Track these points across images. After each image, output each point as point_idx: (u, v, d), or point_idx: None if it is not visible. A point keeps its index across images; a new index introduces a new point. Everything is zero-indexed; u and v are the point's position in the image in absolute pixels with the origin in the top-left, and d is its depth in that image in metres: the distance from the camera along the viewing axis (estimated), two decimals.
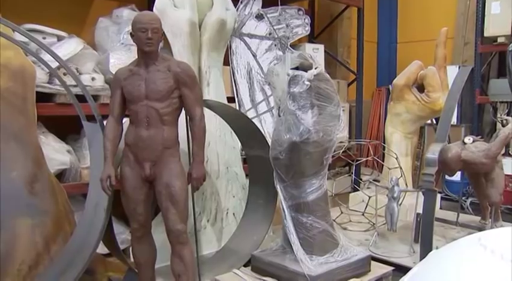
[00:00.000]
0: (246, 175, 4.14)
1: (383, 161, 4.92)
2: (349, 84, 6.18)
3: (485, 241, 2.07)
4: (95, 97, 3.41)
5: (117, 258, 3.39)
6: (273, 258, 3.25)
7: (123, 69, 2.70)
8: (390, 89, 5.21)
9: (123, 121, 2.78)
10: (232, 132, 3.93)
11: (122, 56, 3.66)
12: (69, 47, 3.47)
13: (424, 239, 3.26)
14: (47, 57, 2.94)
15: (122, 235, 3.73)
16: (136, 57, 2.68)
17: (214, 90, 3.99)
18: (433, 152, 3.29)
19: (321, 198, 3.13)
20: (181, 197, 2.56)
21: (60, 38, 3.59)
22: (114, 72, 2.98)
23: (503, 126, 3.97)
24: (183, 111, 2.75)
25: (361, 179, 5.32)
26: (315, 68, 2.95)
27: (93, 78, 3.53)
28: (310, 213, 3.10)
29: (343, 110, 3.58)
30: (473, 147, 3.63)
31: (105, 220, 2.80)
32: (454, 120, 5.59)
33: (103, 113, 3.00)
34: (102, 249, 3.32)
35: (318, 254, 3.12)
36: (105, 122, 2.79)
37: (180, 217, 2.56)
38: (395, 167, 4.39)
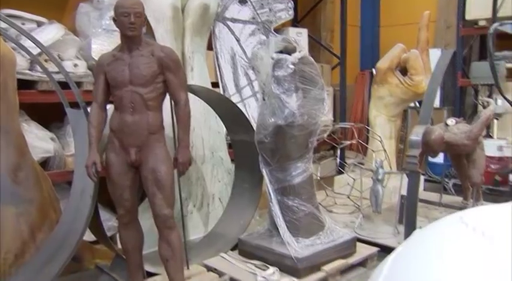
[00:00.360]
0: (232, 160, 4.15)
1: (367, 144, 4.96)
2: (332, 68, 6.19)
3: (466, 219, 2.11)
4: (78, 84, 3.37)
5: (104, 245, 3.39)
6: (259, 241, 3.28)
7: (106, 55, 2.68)
8: (373, 72, 5.23)
9: (107, 107, 2.76)
10: (217, 117, 3.93)
11: (104, 42, 3.62)
12: (50, 33, 3.42)
13: (408, 219, 3.31)
14: (27, 43, 2.90)
15: (109, 222, 3.73)
16: (119, 42, 2.66)
17: (198, 75, 3.97)
18: (416, 134, 3.32)
19: (307, 181, 3.16)
20: (168, 182, 2.56)
21: (39, 24, 3.54)
22: (96, 58, 2.95)
23: (484, 108, 4.02)
24: (168, 97, 2.74)
25: (345, 163, 5.36)
26: (299, 52, 2.95)
27: (75, 65, 3.49)
28: (296, 196, 3.13)
29: (328, 94, 3.59)
30: (455, 129, 3.69)
31: (91, 206, 2.79)
32: (436, 103, 5.65)
33: (86, 99, 2.98)
34: (89, 236, 3.32)
35: (304, 236, 3.15)
36: (89, 109, 2.77)
37: (166, 202, 2.56)
38: (380, 150, 4.43)
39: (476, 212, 2.23)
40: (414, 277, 2.01)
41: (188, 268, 3.14)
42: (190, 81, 3.82)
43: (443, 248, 2.03)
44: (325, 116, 3.13)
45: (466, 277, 1.79)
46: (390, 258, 2.33)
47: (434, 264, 1.98)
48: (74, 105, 2.94)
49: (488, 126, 5.00)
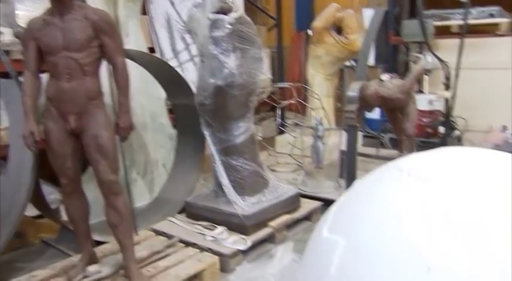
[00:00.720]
0: (174, 126, 4.13)
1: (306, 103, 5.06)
2: (268, 30, 6.20)
3: (401, 166, 2.25)
4: (6, 53, 3.21)
5: (49, 218, 3.33)
6: (206, 202, 3.32)
7: (35, 20, 2.55)
8: (309, 33, 5.30)
9: (41, 76, 2.66)
10: (156, 82, 3.88)
11: (29, 7, 3.45)
12: None
13: (348, 173, 3.45)
14: None
15: (51, 195, 3.64)
16: (46, 7, 2.54)
17: (134, 40, 3.88)
18: (353, 90, 3.43)
19: (249, 140, 3.21)
20: (110, 147, 2.53)
21: None
22: (22, 25, 2.82)
23: (415, 64, 4.19)
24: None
25: (286, 122, 5.45)
26: (236, 12, 2.95)
27: (0, 33, 3.32)
28: (239, 155, 3.18)
29: (265, 56, 3.62)
30: (389, 83, 3.82)
31: (31, 179, 2.72)
32: (371, 61, 5.80)
33: (16, 69, 2.85)
34: (32, 212, 3.25)
35: (249, 194, 3.22)
36: (21, 79, 2.65)
37: (110, 168, 2.53)
38: (318, 108, 4.54)
39: (409, 159, 2.37)
40: (357, 222, 2.12)
41: (137, 234, 3.14)
42: (127, 47, 3.73)
43: (382, 193, 2.16)
44: (264, 75, 3.16)
45: (405, 216, 1.92)
46: (334, 208, 2.44)
47: (374, 208, 2.10)
48: (4, 75, 2.82)
49: (419, 82, 5.21)
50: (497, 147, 4.15)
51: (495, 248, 1.72)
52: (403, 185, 2.04)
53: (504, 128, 5.05)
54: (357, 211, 2.13)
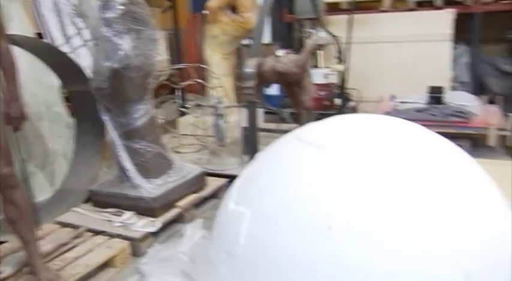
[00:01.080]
0: (72, 114, 3.98)
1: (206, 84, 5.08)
2: (163, 12, 6.10)
3: (301, 136, 2.37)
4: None
5: None
6: (111, 189, 3.27)
7: None
8: (205, 12, 5.29)
9: None
10: (46, 69, 3.70)
11: None
12: None
13: (250, 148, 3.54)
14: None
15: None
16: None
17: (17, 26, 3.65)
18: (249, 66, 3.50)
19: (150, 122, 3.19)
20: (1, 139, 2.40)
21: None
22: None
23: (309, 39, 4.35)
24: None
25: (187, 104, 5.45)
26: None
27: None
28: (141, 138, 3.15)
29: (162, 38, 3.58)
30: (285, 59, 3.94)
31: None
32: (267, 39, 5.93)
33: None
34: None
35: (154, 177, 3.21)
36: None
37: (4, 161, 2.40)
38: (218, 87, 4.58)
39: (307, 129, 2.50)
40: (261, 192, 2.21)
41: (41, 228, 3.03)
42: (11, 32, 3.51)
43: (284, 163, 2.26)
44: (160, 56, 3.14)
45: (306, 182, 2.03)
46: (237, 182, 2.51)
47: (277, 178, 2.20)
48: None
49: (315, 57, 5.41)
50: (387, 114, 4.44)
51: (390, 206, 1.88)
52: (303, 154, 2.16)
53: (393, 97, 5.42)
54: (261, 182, 2.22)
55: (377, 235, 1.80)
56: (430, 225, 1.82)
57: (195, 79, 4.69)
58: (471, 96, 5.22)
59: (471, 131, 4.40)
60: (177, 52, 6.08)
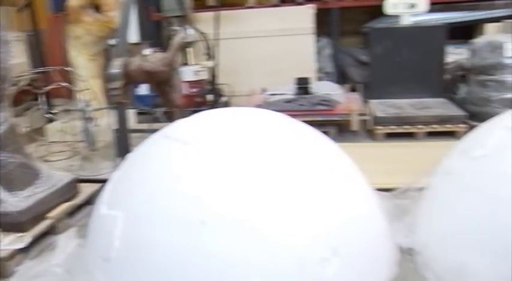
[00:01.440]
0: None
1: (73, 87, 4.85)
2: (18, 11, 5.68)
3: (169, 133, 2.38)
4: None
5: None
6: None
7: None
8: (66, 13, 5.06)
9: None
10: None
11: None
12: None
13: (121, 150, 3.46)
14: None
15: None
16: None
17: None
18: (115, 67, 3.42)
19: (9, 131, 2.96)
20: None
21: None
22: None
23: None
24: None
25: (54, 109, 5.17)
26: None
27: None
28: (1, 149, 2.93)
29: (19, 41, 3.36)
30: (152, 58, 3.91)
31: None
32: (136, 39, 5.80)
33: None
34: None
35: (19, 188, 3.00)
36: None
37: None
38: (86, 90, 4.40)
39: (175, 126, 2.51)
40: (133, 193, 2.17)
41: None
42: None
43: (154, 161, 2.26)
44: (17, 59, 2.94)
45: (177, 179, 2.04)
46: (108, 186, 2.45)
47: (147, 177, 2.18)
48: None
49: (184, 55, 5.41)
50: (258, 107, 4.58)
51: (259, 195, 1.95)
52: (171, 151, 2.16)
53: (263, 90, 5.60)
54: (132, 183, 2.19)
55: (248, 223, 1.87)
56: (299, 210, 1.94)
57: (60, 83, 4.46)
58: (335, 86, 5.59)
59: (336, 118, 4.72)
60: (38, 54, 5.71)
